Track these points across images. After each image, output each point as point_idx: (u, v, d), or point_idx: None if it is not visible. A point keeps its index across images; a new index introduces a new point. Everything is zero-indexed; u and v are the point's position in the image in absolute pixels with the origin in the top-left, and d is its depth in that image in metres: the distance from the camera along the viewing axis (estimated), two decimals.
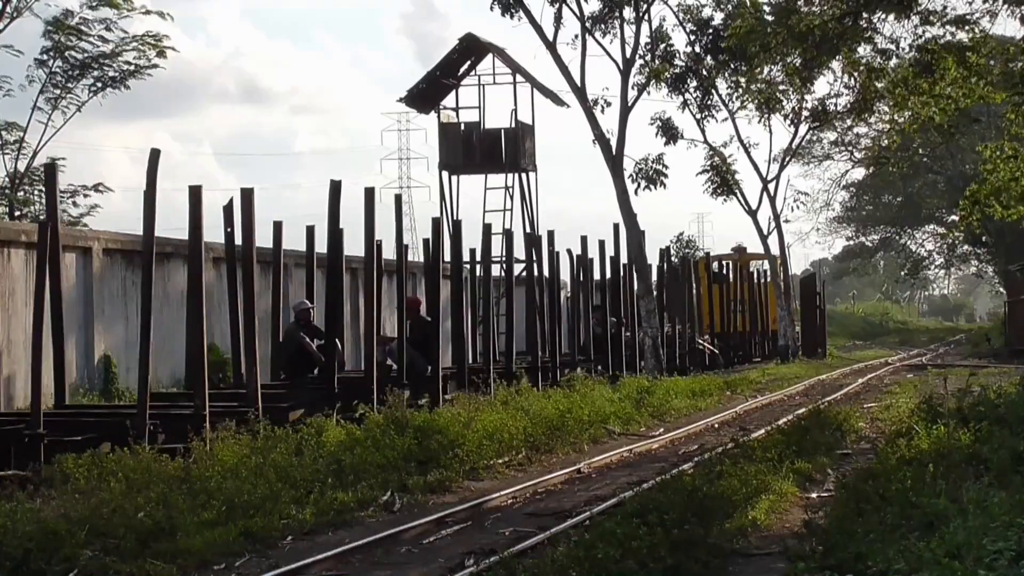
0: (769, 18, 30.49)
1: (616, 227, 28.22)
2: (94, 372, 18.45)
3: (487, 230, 23.21)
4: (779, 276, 42.70)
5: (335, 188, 16.38)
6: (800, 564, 8.16)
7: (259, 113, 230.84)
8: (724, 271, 40.28)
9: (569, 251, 26.48)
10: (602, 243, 27.51)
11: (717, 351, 35.04)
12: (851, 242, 78.43)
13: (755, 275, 42.06)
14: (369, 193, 17.01)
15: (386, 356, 18.19)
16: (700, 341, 33.74)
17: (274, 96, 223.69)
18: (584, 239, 26.20)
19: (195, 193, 14.54)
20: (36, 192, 29.67)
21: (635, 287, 29.48)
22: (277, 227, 18.03)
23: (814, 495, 11.87)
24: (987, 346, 44.20)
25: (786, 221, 46.45)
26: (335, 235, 16.70)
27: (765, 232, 42.73)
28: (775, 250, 43.49)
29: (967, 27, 24.13)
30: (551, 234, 24.41)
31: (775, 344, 42.17)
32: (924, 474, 10.86)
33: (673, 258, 37.40)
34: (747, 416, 20.95)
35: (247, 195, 15.28)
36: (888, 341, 65.69)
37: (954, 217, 44.65)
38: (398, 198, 18.94)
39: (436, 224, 20.01)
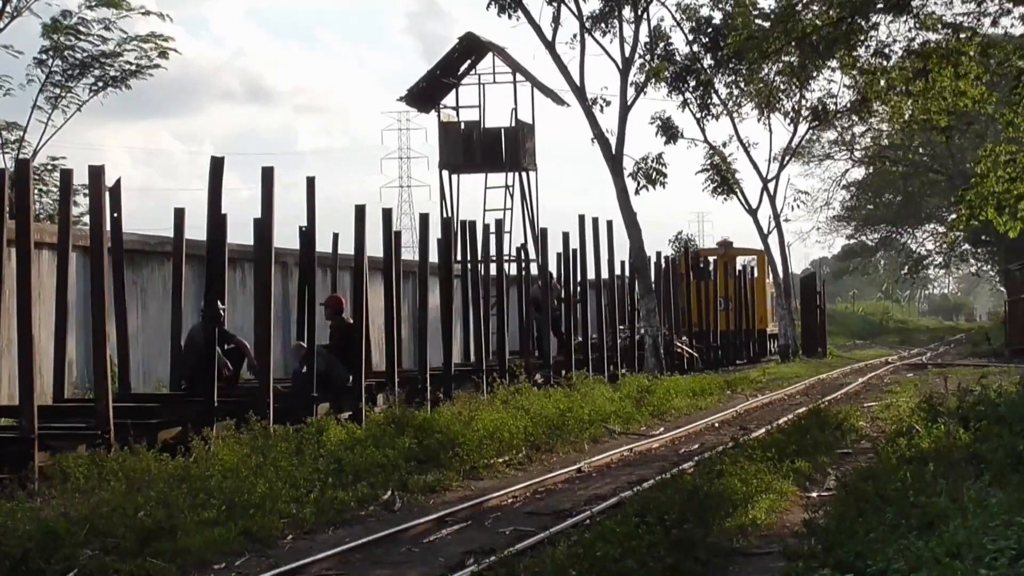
0: (765, 24, 30.54)
1: (593, 221, 26.25)
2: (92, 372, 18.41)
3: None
4: (767, 272, 42.34)
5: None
6: (800, 563, 8.16)
7: (262, 113, 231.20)
8: (709, 267, 38.23)
9: (559, 254, 25.65)
10: (590, 232, 27.37)
11: (695, 353, 32.56)
12: (851, 241, 78.44)
13: (743, 271, 40.43)
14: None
15: (302, 364, 16.34)
16: (678, 344, 31.32)
17: (278, 96, 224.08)
18: (566, 235, 25.07)
19: (65, 176, 14.23)
20: (36, 191, 29.64)
21: (635, 287, 29.52)
22: (179, 214, 16.81)
23: (814, 494, 11.88)
24: (987, 345, 44.18)
25: (786, 220, 46.48)
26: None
27: (765, 231, 42.73)
28: (775, 249, 43.45)
29: (961, 32, 24.12)
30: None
31: (763, 344, 41.10)
32: (924, 473, 10.87)
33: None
34: (747, 415, 20.95)
35: (95, 172, 13.77)
36: (888, 340, 65.70)
37: (954, 216, 44.62)
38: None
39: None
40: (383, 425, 14.45)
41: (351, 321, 16.97)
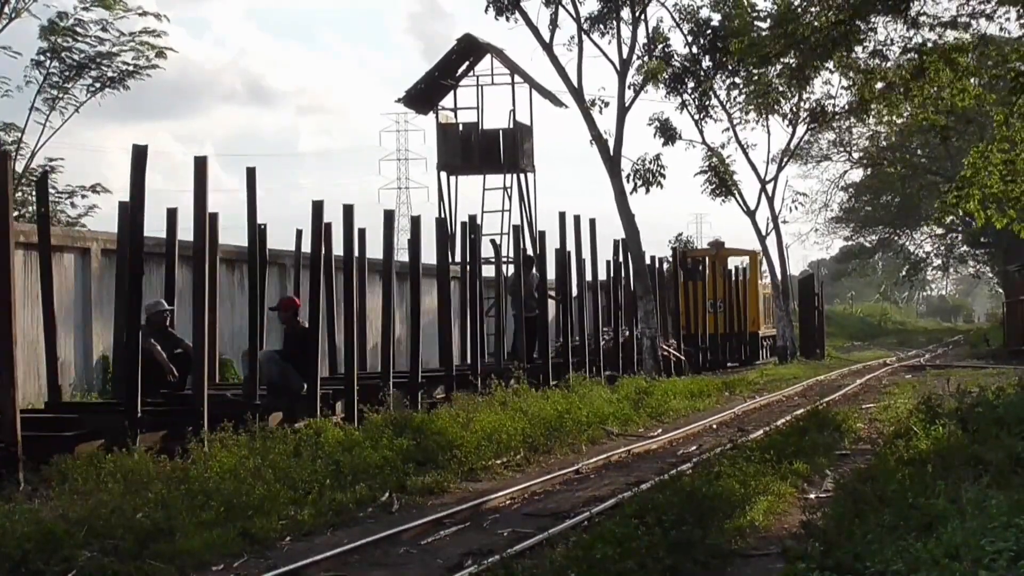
0: (763, 25, 30.59)
1: (575, 219, 25.08)
2: (92, 372, 18.44)
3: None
4: (760, 272, 42.18)
5: (199, 164, 14.10)
6: (798, 565, 8.16)
7: (263, 114, 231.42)
8: (700, 267, 37.21)
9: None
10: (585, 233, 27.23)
11: (681, 356, 30.93)
12: (849, 243, 78.52)
13: (734, 272, 39.44)
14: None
15: (252, 370, 15.21)
16: (664, 347, 29.86)
17: (279, 97, 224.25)
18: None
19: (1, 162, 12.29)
20: (33, 193, 29.65)
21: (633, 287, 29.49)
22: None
23: (812, 496, 11.88)
24: (986, 347, 44.23)
25: (784, 222, 46.40)
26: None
27: (764, 233, 42.75)
28: (774, 251, 43.47)
29: (958, 30, 24.18)
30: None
31: (755, 347, 40.25)
32: (923, 475, 10.88)
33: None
34: (745, 417, 20.95)
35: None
36: (886, 342, 65.74)
37: (952, 217, 44.70)
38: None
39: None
40: (381, 427, 14.45)
41: (307, 325, 15.93)
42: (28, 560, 8.68)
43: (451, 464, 13.59)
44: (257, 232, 15.57)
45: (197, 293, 14.28)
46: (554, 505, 11.86)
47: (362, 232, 18.40)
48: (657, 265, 31.24)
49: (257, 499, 10.73)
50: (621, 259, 28.03)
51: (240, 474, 11.54)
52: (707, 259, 38.90)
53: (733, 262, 40.77)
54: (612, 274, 27.68)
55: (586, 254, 25.23)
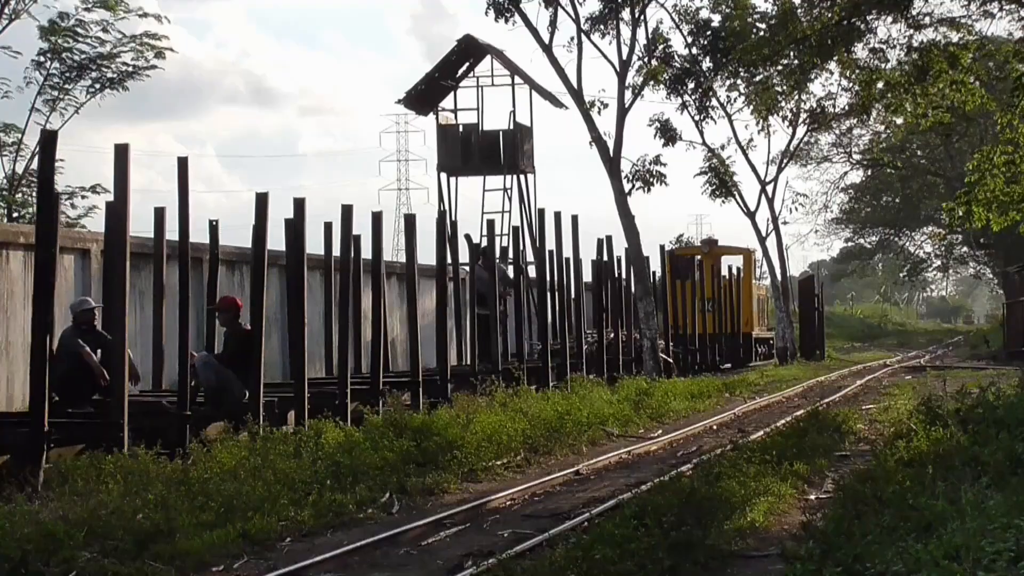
0: (762, 26, 30.61)
1: (556, 216, 24.70)
2: None
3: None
4: (754, 272, 42.06)
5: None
6: (798, 566, 8.16)
7: (264, 115, 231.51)
8: (692, 266, 36.03)
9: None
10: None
11: (669, 359, 29.73)
12: (849, 244, 78.56)
13: (727, 271, 38.47)
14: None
15: (193, 375, 14.25)
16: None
17: (280, 98, 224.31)
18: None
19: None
20: (33, 194, 29.67)
21: (633, 288, 29.50)
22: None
23: (812, 497, 11.88)
24: (986, 348, 44.26)
25: (784, 223, 46.26)
26: (115, 212, 13.49)
27: (764, 234, 42.79)
28: (773, 252, 43.50)
29: (959, 29, 24.19)
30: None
31: (748, 348, 39.62)
32: (922, 476, 10.88)
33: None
34: (746, 418, 20.96)
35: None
36: (886, 343, 65.84)
37: (946, 216, 44.67)
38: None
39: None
40: (381, 428, 14.44)
41: (248, 327, 14.85)
42: (28, 561, 8.67)
43: (451, 465, 13.59)
44: (188, 226, 14.52)
45: (107, 290, 13.44)
46: (554, 506, 11.87)
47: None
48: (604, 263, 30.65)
49: (257, 500, 10.73)
50: (606, 258, 27.52)
51: (240, 475, 11.55)
52: (700, 258, 38.06)
53: (727, 261, 40.01)
54: (596, 273, 27.01)
55: (582, 253, 24.95)
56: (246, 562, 9.40)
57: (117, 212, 13.49)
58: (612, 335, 27.40)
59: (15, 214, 29.43)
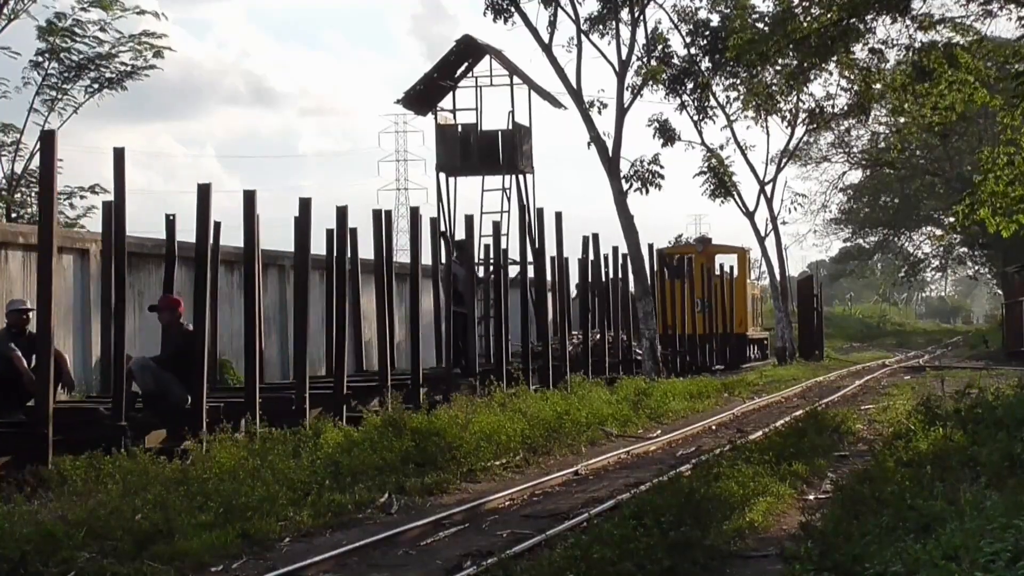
0: (761, 25, 30.58)
1: (538, 212, 24.62)
2: (91, 374, 18.43)
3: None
4: (748, 271, 41.97)
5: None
6: (797, 566, 8.17)
7: (264, 116, 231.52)
8: (686, 265, 35.11)
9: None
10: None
11: (659, 360, 28.78)
12: (848, 244, 78.58)
13: (721, 270, 37.75)
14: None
15: (130, 379, 13.46)
16: (638, 349, 28.69)
17: (280, 98, 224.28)
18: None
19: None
20: (32, 194, 29.65)
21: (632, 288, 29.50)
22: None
23: (811, 497, 11.88)
24: (984, 348, 44.28)
25: (783, 223, 46.34)
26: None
27: (762, 234, 42.79)
28: (772, 252, 43.50)
29: (960, 30, 24.18)
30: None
31: (742, 349, 39.20)
32: (921, 476, 10.89)
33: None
34: (744, 418, 20.97)
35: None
36: (885, 343, 65.84)
37: (951, 219, 44.64)
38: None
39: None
40: (380, 428, 14.44)
41: (191, 328, 14.06)
42: (27, 561, 8.67)
43: (450, 465, 13.59)
44: (121, 217, 13.63)
45: (42, 290, 12.26)
46: (553, 506, 11.87)
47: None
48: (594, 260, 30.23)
49: (256, 500, 10.73)
50: (592, 256, 27.29)
51: (239, 475, 11.55)
52: (693, 257, 37.18)
53: (721, 260, 39.29)
54: (582, 272, 26.58)
55: (567, 253, 24.52)
56: (245, 562, 9.41)
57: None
58: (598, 336, 26.91)
59: (14, 214, 29.41)
